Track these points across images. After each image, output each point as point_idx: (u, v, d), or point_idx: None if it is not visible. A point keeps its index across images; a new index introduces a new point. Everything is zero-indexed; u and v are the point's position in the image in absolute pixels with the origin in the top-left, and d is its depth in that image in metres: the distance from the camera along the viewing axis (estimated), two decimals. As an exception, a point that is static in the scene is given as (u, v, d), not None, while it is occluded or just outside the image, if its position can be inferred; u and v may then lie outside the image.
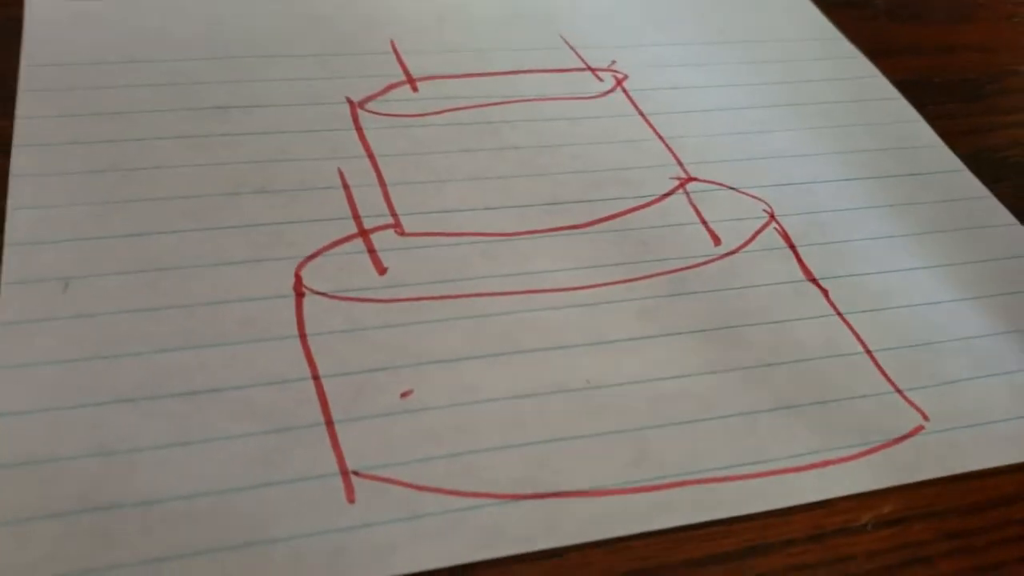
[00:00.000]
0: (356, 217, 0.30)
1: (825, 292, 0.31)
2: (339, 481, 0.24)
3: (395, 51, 0.37)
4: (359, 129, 0.34)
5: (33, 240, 0.28)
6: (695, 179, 0.34)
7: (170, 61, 0.35)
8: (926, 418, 0.28)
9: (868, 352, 0.29)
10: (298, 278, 0.28)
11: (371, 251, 0.29)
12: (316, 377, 0.26)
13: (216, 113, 0.33)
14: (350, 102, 0.34)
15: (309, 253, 0.29)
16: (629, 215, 0.32)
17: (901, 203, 0.35)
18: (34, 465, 0.23)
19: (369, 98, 0.35)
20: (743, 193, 0.34)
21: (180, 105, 0.33)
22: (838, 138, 0.37)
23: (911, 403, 0.28)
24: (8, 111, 0.32)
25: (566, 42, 0.39)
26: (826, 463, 0.26)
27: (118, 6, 0.37)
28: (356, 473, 0.24)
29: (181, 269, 0.28)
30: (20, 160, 0.30)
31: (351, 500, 0.23)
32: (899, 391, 0.28)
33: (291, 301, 0.28)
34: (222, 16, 0.38)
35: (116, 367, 0.25)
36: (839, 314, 0.30)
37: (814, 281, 0.31)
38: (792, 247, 0.32)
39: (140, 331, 0.26)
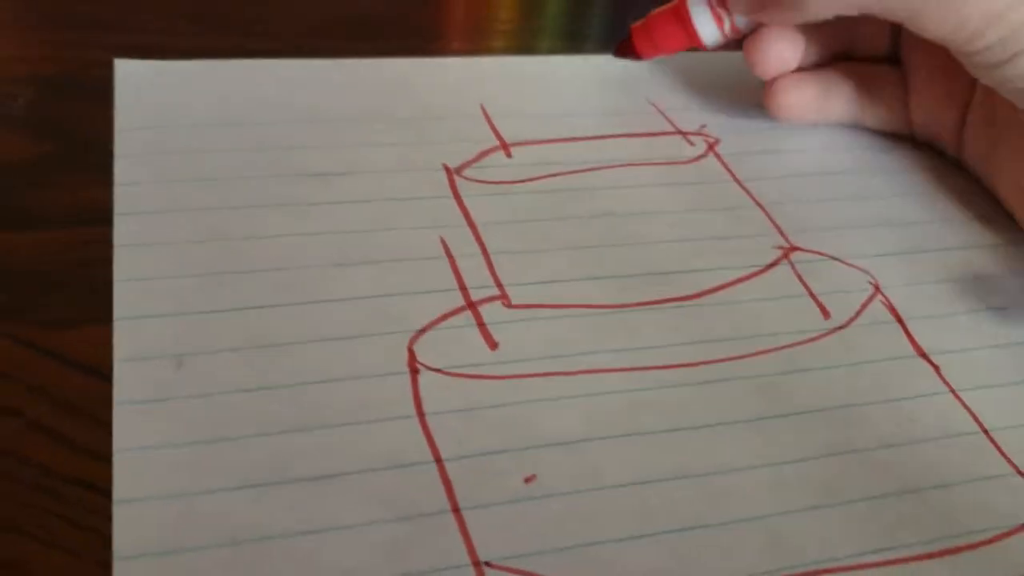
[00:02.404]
0: (463, 288, 0.30)
1: (936, 368, 0.30)
2: (472, 573, 0.23)
3: (486, 115, 0.37)
4: (458, 196, 0.33)
5: (143, 314, 0.27)
6: (798, 248, 0.33)
7: (264, 124, 0.35)
8: (1056, 504, 0.27)
9: (985, 432, 0.29)
10: (411, 353, 0.28)
11: (481, 325, 0.29)
12: (439, 460, 0.25)
13: (315, 180, 0.33)
14: (447, 169, 0.34)
15: (419, 327, 0.28)
16: (736, 287, 0.32)
17: (1007, 275, 0.34)
18: (163, 556, 0.22)
19: (465, 164, 0.34)
20: (847, 264, 0.33)
21: (277, 171, 0.33)
22: (937, 206, 0.37)
23: (1037, 487, 0.27)
24: (107, 178, 0.31)
25: (654, 106, 0.39)
26: (956, 550, 0.26)
27: (208, 67, 0.37)
28: (489, 564, 0.23)
29: (293, 345, 0.27)
30: (123, 229, 0.30)
31: (486, 593, 0.23)
32: (1022, 474, 0.28)
33: (407, 378, 0.27)
34: (310, 78, 0.37)
35: (239, 450, 0.25)
36: (952, 391, 0.30)
37: (924, 356, 0.31)
38: (900, 320, 0.32)
39: (258, 411, 0.26)
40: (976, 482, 0.27)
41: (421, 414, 0.26)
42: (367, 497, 0.24)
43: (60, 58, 0.36)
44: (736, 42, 0.37)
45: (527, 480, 0.25)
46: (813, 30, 0.37)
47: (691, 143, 0.37)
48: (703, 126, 0.38)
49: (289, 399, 0.26)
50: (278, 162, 0.33)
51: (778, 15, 0.34)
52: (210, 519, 0.23)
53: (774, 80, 0.37)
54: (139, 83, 0.35)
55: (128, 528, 0.23)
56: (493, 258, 0.31)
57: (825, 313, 0.31)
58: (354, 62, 0.38)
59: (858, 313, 0.32)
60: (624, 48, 0.38)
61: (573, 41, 0.45)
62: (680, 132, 0.38)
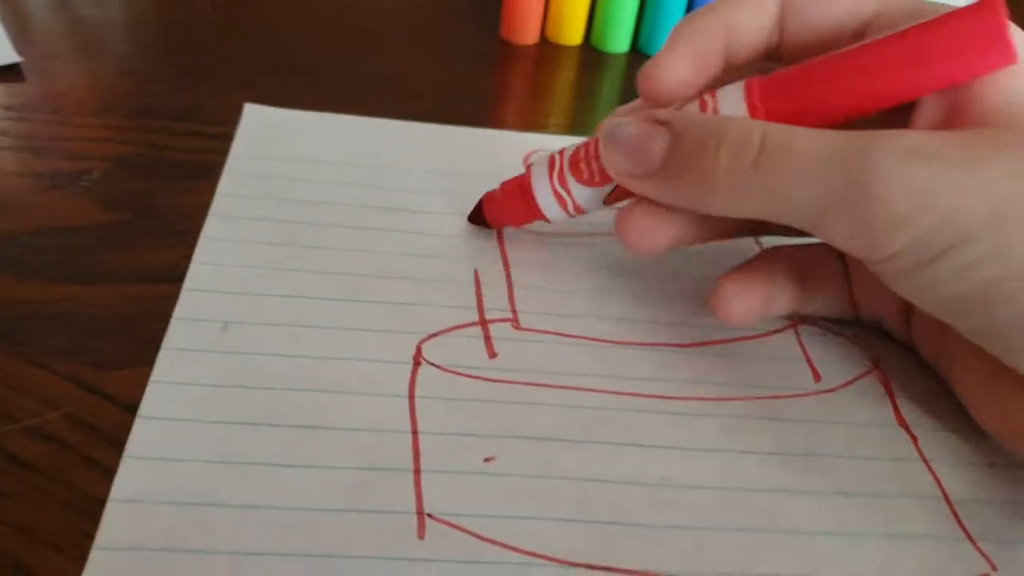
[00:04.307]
0: (480, 309, 0.34)
1: (915, 439, 0.32)
2: (414, 520, 0.27)
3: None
4: (501, 240, 0.38)
5: (206, 288, 0.33)
6: (807, 322, 0.36)
7: (359, 167, 0.41)
8: (994, 567, 0.28)
9: (946, 499, 0.30)
10: (418, 350, 0.32)
11: (487, 338, 0.33)
12: (415, 432, 0.29)
13: (384, 212, 0.38)
14: (499, 215, 0.39)
15: (433, 332, 0.33)
16: (734, 343, 0.34)
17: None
18: (166, 462, 0.27)
19: (516, 213, 0.39)
20: (852, 340, 0.35)
21: (358, 202, 0.39)
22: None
23: (981, 552, 0.28)
24: (212, 186, 0.38)
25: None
26: (882, 595, 0.27)
27: (323, 118, 0.44)
28: (430, 515, 0.27)
29: (322, 328, 0.32)
30: (211, 225, 0.36)
31: (421, 536, 0.26)
32: (970, 538, 0.29)
33: (408, 367, 0.31)
34: (407, 138, 0.44)
35: (250, 396, 0.29)
36: (924, 460, 0.31)
37: (905, 427, 0.32)
38: (891, 395, 0.33)
39: (276, 371, 0.30)
40: (921, 538, 0.29)
41: (412, 396, 0.30)
42: (344, 448, 0.28)
43: (133, 141, 0.42)
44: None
45: (486, 460, 0.29)
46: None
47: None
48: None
49: (305, 366, 0.31)
50: (360, 195, 0.39)
51: (665, 192, 0.30)
52: (211, 441, 0.28)
53: (716, 288, 0.34)
54: (261, 123, 0.42)
55: (141, 438, 0.28)
56: (515, 290, 0.35)
57: (816, 376, 0.34)
58: (447, 128, 0.45)
59: (849, 382, 0.34)
60: (476, 216, 0.38)
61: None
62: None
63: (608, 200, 0.33)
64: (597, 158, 0.33)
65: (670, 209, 0.31)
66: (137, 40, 0.52)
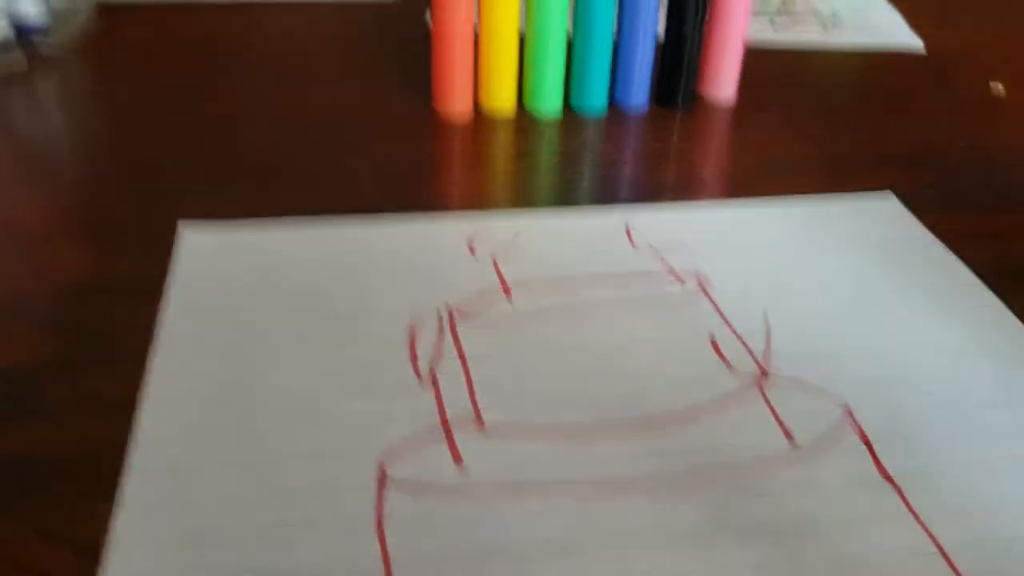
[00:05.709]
0: (442, 413, 0.33)
1: (899, 490, 0.31)
2: (397, 661, 0.26)
3: (495, 263, 0.41)
4: (454, 333, 0.37)
5: (157, 436, 0.32)
6: (770, 374, 0.35)
7: (302, 277, 0.40)
8: (995, 616, 0.27)
9: (941, 550, 0.29)
10: (382, 467, 0.31)
11: (451, 444, 0.32)
12: (386, 561, 0.28)
13: (333, 320, 0.37)
14: (449, 310, 0.38)
15: (395, 444, 0.32)
16: (703, 410, 0.34)
17: (990, 404, 0.35)
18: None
19: (467, 305, 0.38)
20: (819, 390, 0.35)
21: (303, 314, 0.38)
22: (919, 330, 0.38)
23: (981, 601, 0.28)
24: (153, 311, 0.37)
25: (653, 248, 0.42)
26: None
27: (261, 229, 0.43)
28: (413, 654, 0.26)
29: (281, 460, 0.31)
30: (160, 362, 0.35)
31: None
32: (972, 589, 0.28)
33: (373, 491, 0.30)
34: (347, 237, 0.43)
35: (212, 545, 0.28)
36: (912, 512, 0.30)
37: (888, 479, 0.31)
38: (867, 443, 0.33)
39: (236, 514, 0.29)
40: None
41: (380, 520, 0.29)
42: (316, 591, 0.27)
43: (83, 269, 0.41)
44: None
45: (468, 583, 0.28)
46: None
47: (682, 280, 0.40)
48: (696, 267, 0.41)
49: (266, 504, 0.30)
50: (305, 307, 0.38)
51: None
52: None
53: None
54: (203, 245, 0.42)
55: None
56: (475, 386, 0.34)
57: (788, 437, 0.33)
58: (386, 220, 0.44)
59: (823, 437, 0.33)
60: None
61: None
62: (673, 271, 0.41)
63: None
64: None
65: None
66: (70, 159, 0.51)
